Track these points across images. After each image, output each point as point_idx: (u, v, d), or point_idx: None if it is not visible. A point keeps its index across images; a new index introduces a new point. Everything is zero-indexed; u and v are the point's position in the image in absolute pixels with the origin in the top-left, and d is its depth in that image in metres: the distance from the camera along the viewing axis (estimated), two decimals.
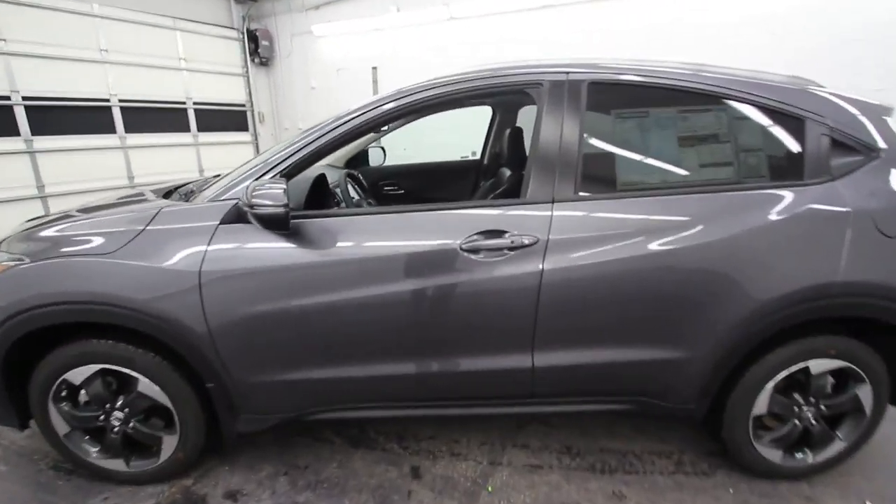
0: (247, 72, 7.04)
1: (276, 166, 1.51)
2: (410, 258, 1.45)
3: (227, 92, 6.88)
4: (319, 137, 1.53)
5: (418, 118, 2.89)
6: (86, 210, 1.77)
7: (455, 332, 1.53)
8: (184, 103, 6.32)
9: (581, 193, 1.48)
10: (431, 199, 3.22)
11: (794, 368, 1.59)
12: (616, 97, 1.54)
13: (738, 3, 4.57)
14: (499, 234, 1.45)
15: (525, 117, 2.85)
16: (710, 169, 1.53)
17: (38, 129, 4.93)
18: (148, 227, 1.49)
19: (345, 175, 1.82)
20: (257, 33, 6.89)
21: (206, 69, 6.53)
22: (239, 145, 7.08)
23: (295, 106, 7.20)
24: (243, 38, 6.91)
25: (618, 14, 5.04)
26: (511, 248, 1.45)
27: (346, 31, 6.47)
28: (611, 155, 1.54)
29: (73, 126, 5.28)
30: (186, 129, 6.40)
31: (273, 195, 1.33)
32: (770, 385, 1.61)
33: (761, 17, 4.49)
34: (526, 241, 1.44)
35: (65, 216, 1.71)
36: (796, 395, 1.65)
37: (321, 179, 1.90)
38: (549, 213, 1.46)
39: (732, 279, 1.46)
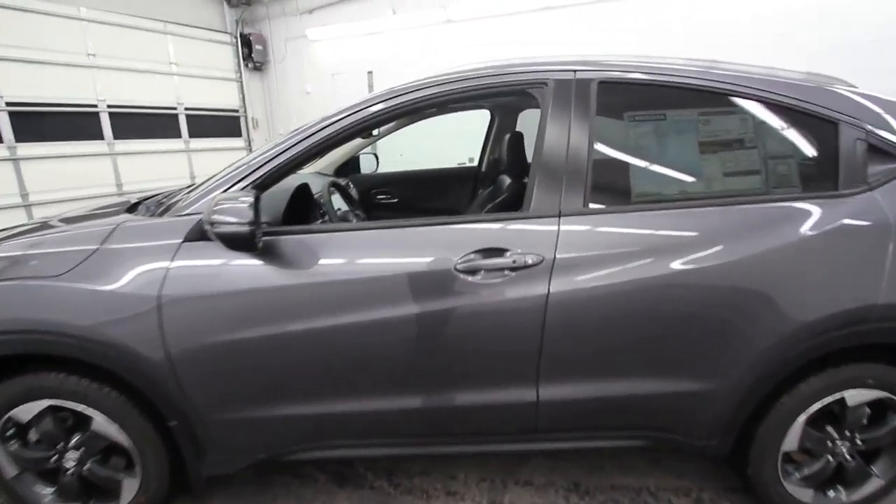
0: (240, 76, 6.91)
1: (247, 176, 1.34)
2: (398, 280, 1.28)
3: (220, 97, 6.73)
4: (299, 143, 1.37)
5: (412, 122, 2.77)
6: (67, 220, 1.61)
7: (450, 362, 1.36)
8: (175, 109, 6.18)
9: (591, 206, 1.31)
10: (426, 209, 3.11)
11: (828, 400, 1.43)
12: (629, 98, 1.37)
13: (738, 3, 4.45)
14: (499, 252, 1.28)
15: (525, 122, 2.69)
16: (734, 178, 1.37)
17: (22, 135, 4.77)
18: (103, 246, 1.32)
19: (329, 185, 1.65)
20: (251, 37, 6.76)
21: (197, 74, 6.39)
22: (232, 151, 6.92)
23: (289, 111, 7.06)
24: (236, 42, 6.78)
25: (618, 16, 4.92)
26: (513, 269, 1.28)
27: (342, 35, 6.34)
28: (624, 163, 1.37)
29: (59, 132, 5.13)
30: (177, 135, 6.25)
31: (237, 210, 1.16)
32: (802, 418, 1.44)
33: (767, 15, 4.37)
34: (529, 261, 1.27)
35: (41, 226, 1.56)
36: (830, 429, 1.48)
37: (304, 190, 1.73)
38: (555, 227, 1.30)
39: (762, 302, 1.29)
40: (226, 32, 6.71)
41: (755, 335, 1.31)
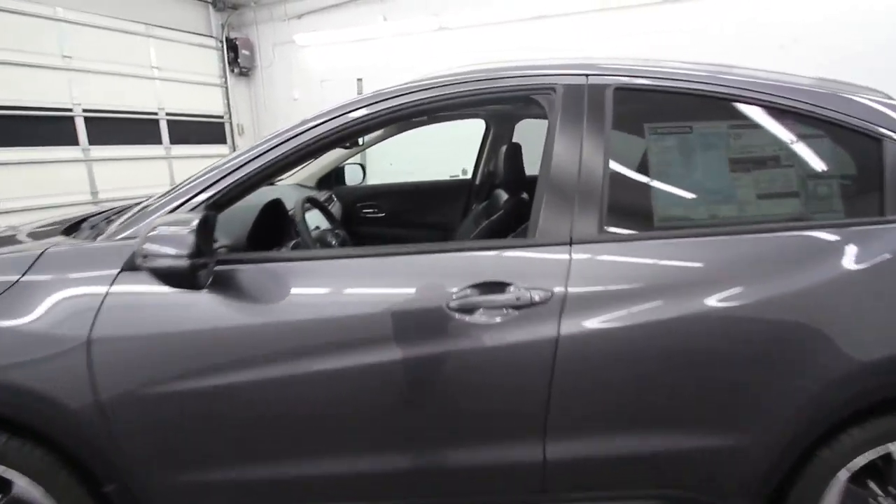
0: (225, 82, 6.69)
1: (201, 192, 1.13)
2: (379, 320, 1.08)
3: (204, 103, 6.50)
4: (265, 153, 1.16)
5: (400, 131, 2.58)
6: (33, 234, 1.42)
7: (441, 417, 1.15)
8: (156, 114, 5.94)
9: (608, 231, 1.12)
10: (415, 223, 2.92)
11: (872, 454, 1.24)
12: (650, 107, 1.19)
13: (738, 12, 4.39)
14: (499, 287, 1.08)
15: (523, 133, 2.52)
16: (769, 202, 1.19)
17: None
18: (24, 278, 1.10)
19: (303, 201, 1.45)
20: (237, 42, 6.57)
21: (180, 78, 6.16)
22: (216, 159, 6.67)
23: (276, 118, 6.85)
24: (222, 46, 6.57)
25: (613, 25, 4.82)
26: (516, 307, 1.08)
27: (331, 41, 6.17)
28: (645, 182, 1.18)
29: (31, 137, 4.86)
30: (158, 141, 6.00)
31: (176, 239, 0.94)
32: (843, 474, 1.26)
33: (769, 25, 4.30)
34: (536, 298, 1.07)
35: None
36: (873, 485, 1.30)
37: (276, 206, 1.52)
38: (565, 256, 1.10)
39: (808, 344, 1.11)
40: (211, 37, 6.51)
41: (798, 381, 1.13)
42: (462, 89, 1.19)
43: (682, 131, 1.18)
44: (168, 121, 6.04)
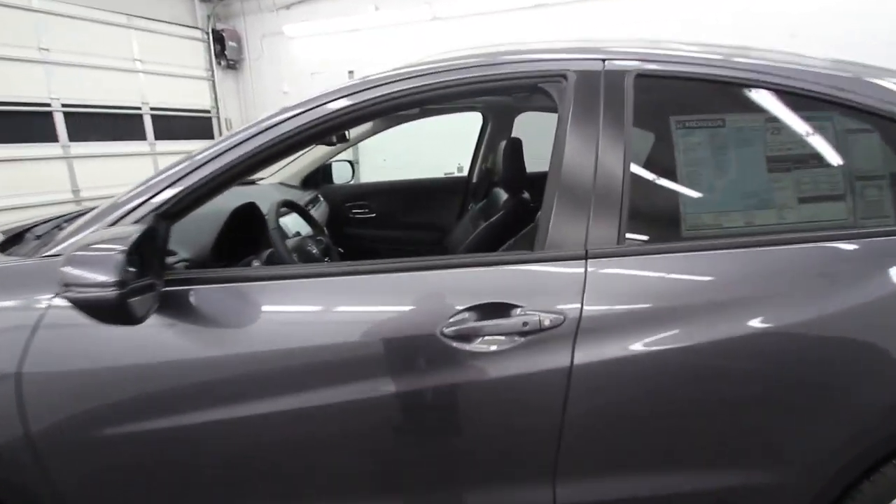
0: (212, 75, 6.45)
1: (150, 199, 0.95)
2: (359, 350, 0.92)
3: (190, 97, 6.26)
4: (228, 151, 0.99)
5: (390, 125, 2.39)
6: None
7: (431, 462, 1.00)
8: (139, 108, 5.71)
9: (629, 241, 0.96)
10: (408, 224, 2.74)
11: None
12: (677, 97, 1.03)
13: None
14: (502, 309, 0.92)
15: (524, 126, 2.36)
16: (813, 206, 1.03)
17: None
18: None
19: (277, 205, 1.26)
20: (224, 34, 6.32)
21: (165, 72, 5.92)
22: None
23: (265, 112, 6.56)
24: (208, 38, 6.33)
25: (614, 13, 4.65)
26: (522, 333, 0.92)
27: (321, 32, 5.95)
28: (672, 184, 1.02)
29: (7, 133, 4.63)
30: (142, 136, 5.77)
31: (102, 262, 0.77)
32: None
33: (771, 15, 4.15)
34: (546, 322, 0.91)
35: None
36: None
37: (249, 211, 1.35)
38: (580, 271, 0.94)
39: (855, 370, 0.96)
40: (197, 28, 6.26)
41: (847, 411, 0.98)
42: (460, 77, 1.01)
43: (714, 125, 1.01)
44: (152, 115, 5.82)
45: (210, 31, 6.31)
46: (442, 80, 1.01)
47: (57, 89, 4.95)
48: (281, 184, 2.31)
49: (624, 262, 0.96)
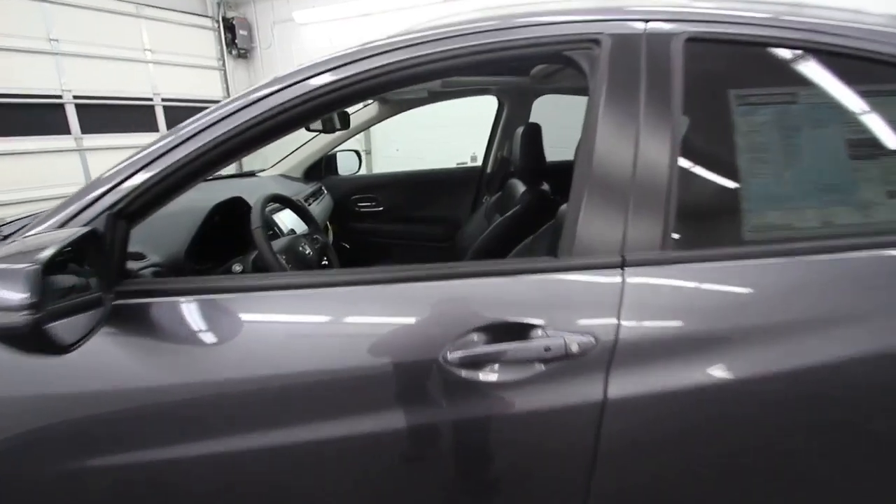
0: (223, 64, 6.35)
1: (101, 197, 0.80)
2: (343, 379, 0.75)
3: (201, 87, 6.18)
4: (191, 139, 0.83)
5: (397, 111, 2.21)
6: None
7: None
8: (151, 100, 5.65)
9: (677, 244, 0.78)
10: (418, 218, 2.57)
11: None
12: (739, 67, 0.83)
13: None
14: (519, 330, 0.75)
15: (543, 111, 2.15)
16: None
17: None
18: None
19: (262, 203, 1.10)
20: (234, 22, 6.20)
21: (175, 62, 5.85)
22: None
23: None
24: (219, 27, 6.22)
25: None
26: (543, 360, 0.74)
27: (332, 18, 5.77)
28: (731, 176, 0.82)
29: (20, 126, 4.62)
30: (154, 128, 5.73)
31: (11, 281, 0.60)
32: None
33: None
34: (574, 347, 0.73)
35: None
36: None
37: (235, 207, 1.20)
38: (616, 281, 0.76)
39: None
40: (206, 16, 6.15)
41: None
42: (466, 45, 0.83)
43: (786, 101, 0.81)
44: (164, 107, 5.76)
45: (220, 19, 6.20)
46: (448, 49, 0.83)
47: (68, 81, 4.92)
48: (282, 176, 2.17)
49: (671, 272, 0.77)
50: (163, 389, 0.76)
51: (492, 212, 2.02)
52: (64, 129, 4.97)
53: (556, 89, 2.20)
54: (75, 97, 5.00)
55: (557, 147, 1.97)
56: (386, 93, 1.49)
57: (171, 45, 5.78)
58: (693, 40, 0.80)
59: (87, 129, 5.10)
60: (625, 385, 0.74)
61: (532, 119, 2.34)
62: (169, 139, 0.84)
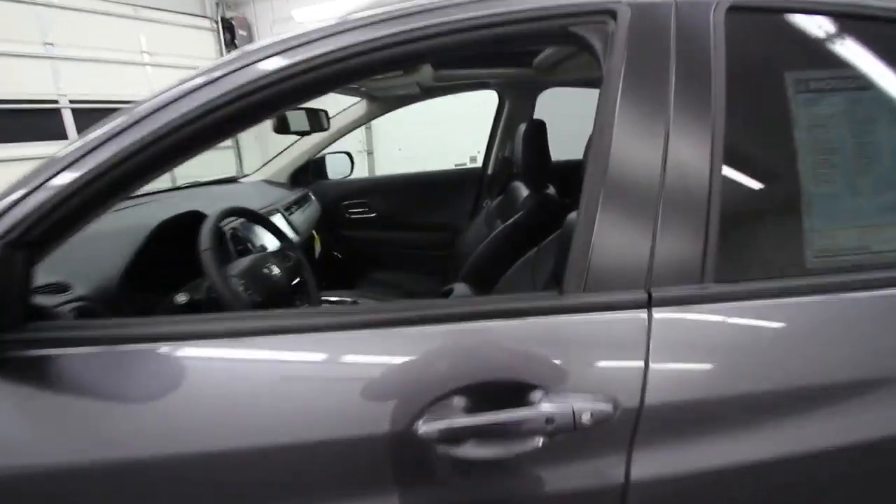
0: None
1: None
2: (290, 456, 0.58)
3: None
4: (101, 146, 0.66)
5: (387, 109, 2.02)
6: None
7: None
8: None
9: (717, 275, 0.59)
10: (413, 226, 2.39)
11: None
12: (796, 44, 0.64)
13: None
14: (515, 392, 0.57)
15: (549, 106, 1.97)
16: None
17: None
18: None
19: (215, 220, 0.91)
20: (233, 22, 6.11)
21: (174, 63, 5.75)
22: (218, 150, 6.28)
23: None
24: (217, 27, 6.12)
25: None
26: (546, 433, 0.57)
27: (332, 16, 5.63)
28: (789, 183, 0.63)
29: (14, 132, 4.55)
30: None
31: None
32: None
33: None
34: (585, 417, 0.55)
35: None
36: None
37: (192, 223, 1.03)
38: (641, 323, 0.58)
39: None
40: (205, 17, 6.06)
41: None
42: (455, 21, 0.65)
43: (861, 86, 0.62)
44: None
45: (219, 19, 6.10)
46: (434, 24, 0.65)
47: (64, 85, 4.85)
48: (265, 181, 2.01)
49: (712, 312, 0.59)
50: (57, 471, 0.59)
51: (493, 217, 1.84)
52: (60, 135, 4.89)
53: (564, 81, 2.01)
54: (72, 102, 4.92)
55: (561, 145, 1.79)
56: (354, 83, 1.27)
57: (169, 47, 5.69)
58: (737, 9, 0.61)
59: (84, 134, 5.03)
60: (653, 464, 0.56)
61: (536, 116, 2.16)
62: (78, 145, 0.67)
